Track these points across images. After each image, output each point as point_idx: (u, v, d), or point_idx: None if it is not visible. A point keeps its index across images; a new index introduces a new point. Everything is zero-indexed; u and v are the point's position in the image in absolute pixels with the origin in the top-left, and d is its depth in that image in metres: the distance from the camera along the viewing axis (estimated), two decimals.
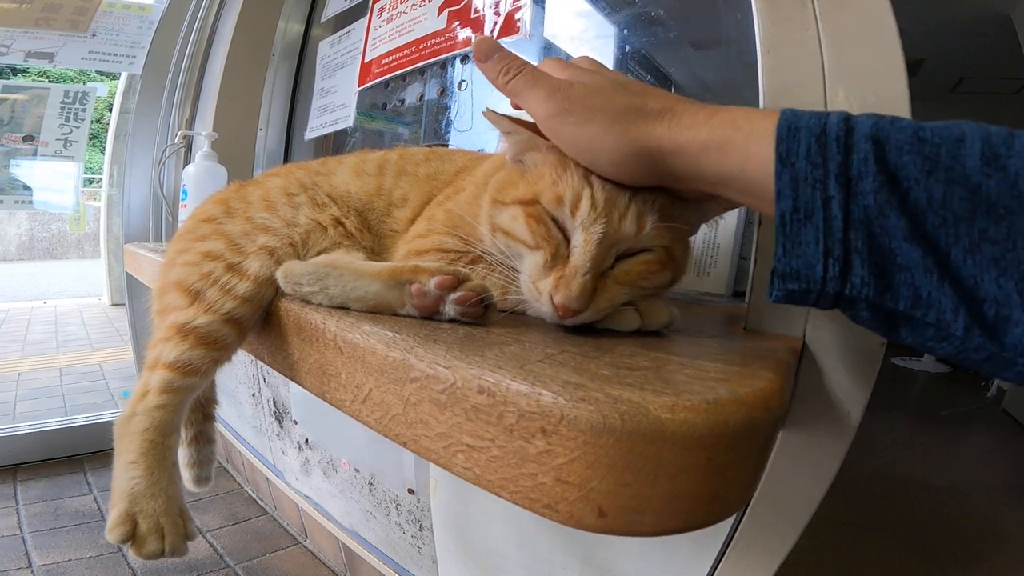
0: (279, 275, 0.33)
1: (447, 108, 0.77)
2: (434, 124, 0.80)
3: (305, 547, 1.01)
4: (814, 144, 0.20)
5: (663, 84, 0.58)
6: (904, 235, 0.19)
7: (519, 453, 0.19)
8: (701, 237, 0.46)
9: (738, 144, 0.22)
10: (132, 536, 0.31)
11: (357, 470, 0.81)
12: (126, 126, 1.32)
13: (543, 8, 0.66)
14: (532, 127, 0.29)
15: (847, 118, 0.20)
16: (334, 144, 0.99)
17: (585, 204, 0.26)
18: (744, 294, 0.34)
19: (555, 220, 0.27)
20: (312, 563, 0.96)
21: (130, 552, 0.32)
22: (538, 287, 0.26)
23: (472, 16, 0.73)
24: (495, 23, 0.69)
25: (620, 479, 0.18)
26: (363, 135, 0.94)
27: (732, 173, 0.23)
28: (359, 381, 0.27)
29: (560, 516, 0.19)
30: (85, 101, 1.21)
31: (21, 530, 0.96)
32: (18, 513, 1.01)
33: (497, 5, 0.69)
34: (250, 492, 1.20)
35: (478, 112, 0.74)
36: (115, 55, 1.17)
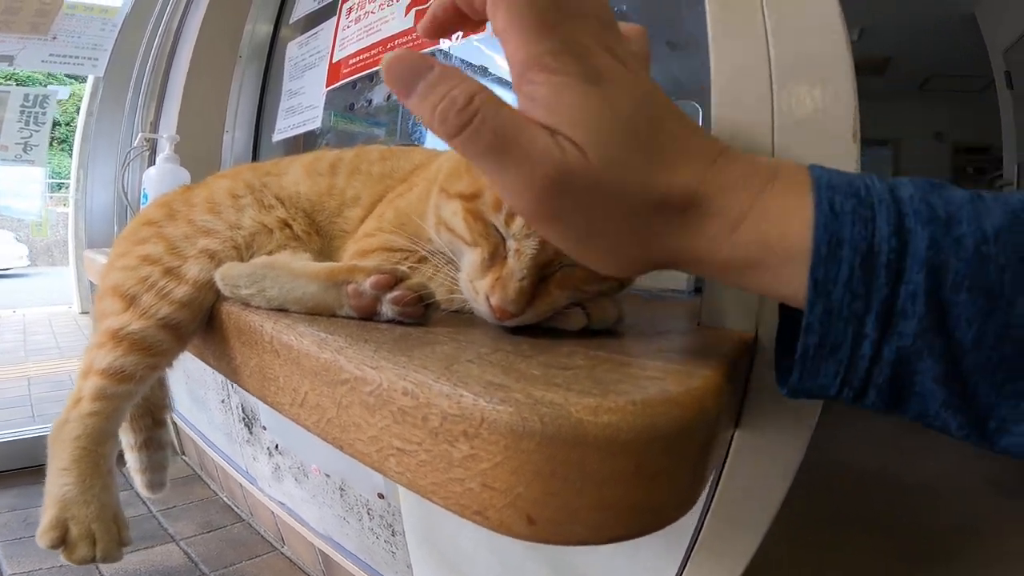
0: (217, 277, 0.32)
1: (407, 115, 0.76)
2: (407, 126, 0.79)
3: (283, 554, 0.99)
4: (858, 269, 0.17)
5: None
6: (934, 377, 0.17)
7: (445, 457, 0.18)
8: None
9: (764, 269, 0.18)
10: (63, 541, 0.31)
11: (327, 475, 0.80)
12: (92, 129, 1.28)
13: None
14: None
15: (898, 224, 0.17)
16: (304, 146, 0.97)
17: (520, 219, 0.24)
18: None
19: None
20: (290, 569, 0.94)
21: (61, 557, 0.31)
22: (475, 286, 0.25)
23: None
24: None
25: (546, 486, 0.17)
26: (337, 137, 0.93)
27: (765, 291, 0.19)
28: (295, 384, 0.26)
29: (491, 523, 0.18)
30: (45, 104, 1.17)
31: None
32: None
33: None
34: (225, 499, 1.17)
35: None
36: (77, 58, 1.14)
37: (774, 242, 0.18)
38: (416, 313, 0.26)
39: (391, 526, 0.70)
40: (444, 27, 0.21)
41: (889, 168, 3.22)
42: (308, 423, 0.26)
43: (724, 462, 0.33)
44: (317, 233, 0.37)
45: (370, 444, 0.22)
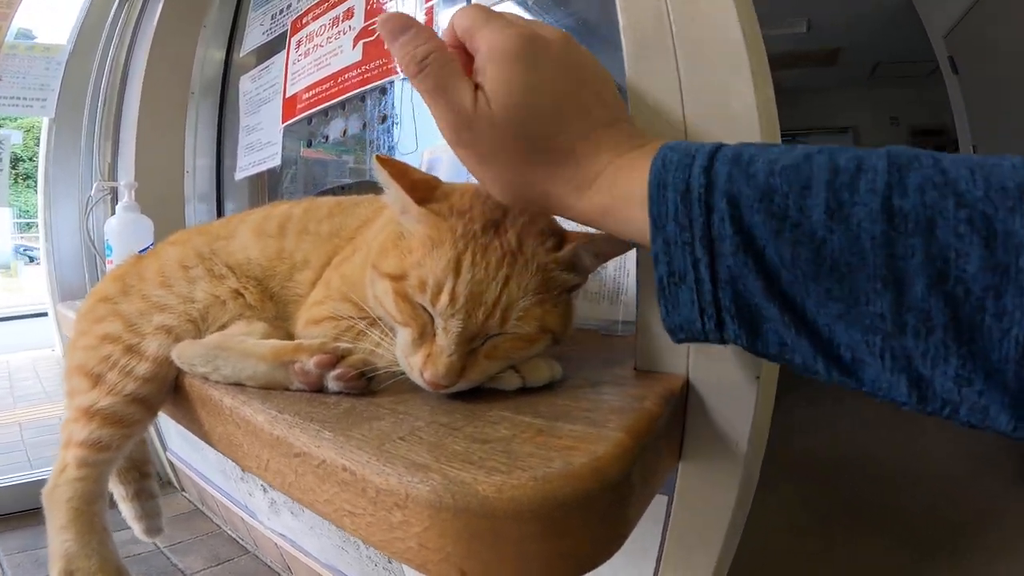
0: (174, 356, 0.33)
1: (371, 142, 0.77)
2: (377, 151, 0.79)
3: None
4: (680, 204, 0.20)
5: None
6: (762, 293, 0.19)
7: (386, 521, 0.21)
8: (613, 264, 0.47)
9: (617, 210, 0.23)
10: None
11: None
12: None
13: None
14: (411, 184, 0.28)
15: (708, 166, 0.20)
16: (269, 180, 0.97)
17: (444, 298, 0.25)
18: None
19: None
20: None
21: None
22: (410, 362, 0.27)
23: (386, 47, 0.72)
24: None
25: (469, 546, 0.19)
26: (304, 166, 0.93)
27: (619, 231, 0.24)
28: (258, 452, 0.29)
29: (432, 575, 0.21)
30: (0, 151, 1.16)
31: None
32: (0, 564, 1.00)
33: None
34: (229, 532, 1.18)
35: (423, 132, 0.72)
36: (24, 99, 1.12)
37: (619, 191, 0.23)
38: (360, 386, 0.28)
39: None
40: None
41: None
42: (275, 484, 0.28)
43: (673, 491, 0.35)
44: (271, 299, 0.38)
45: (327, 505, 0.24)
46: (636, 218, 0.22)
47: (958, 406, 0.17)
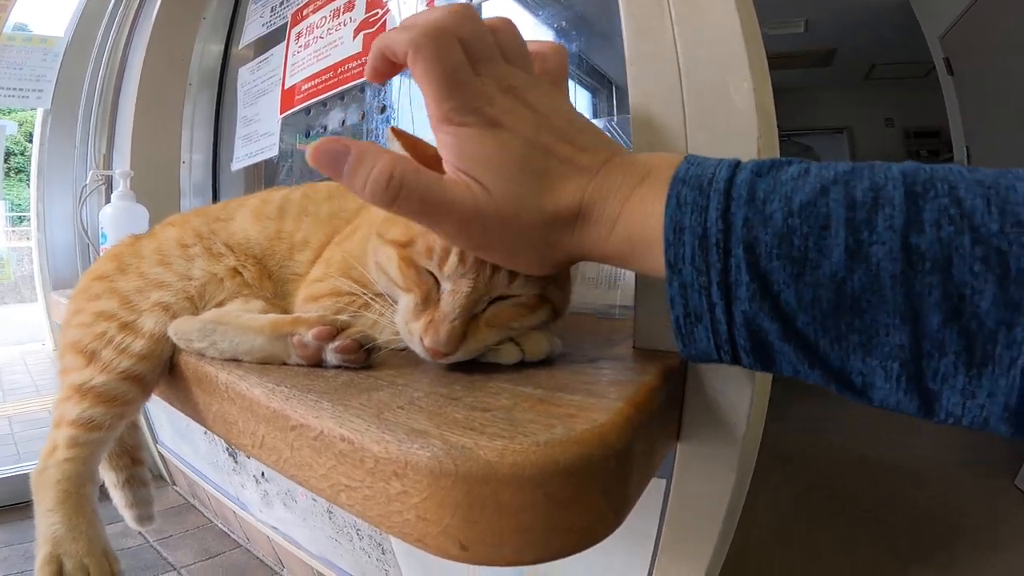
0: (170, 332, 0.33)
1: (369, 131, 0.77)
2: (376, 140, 0.79)
3: None
4: (697, 249, 0.20)
5: (602, 84, 0.59)
6: (777, 335, 0.20)
7: (384, 493, 0.21)
8: None
9: (636, 258, 0.23)
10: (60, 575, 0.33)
11: (315, 499, 0.81)
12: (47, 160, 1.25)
13: None
14: (421, 158, 0.27)
15: (725, 209, 0.20)
16: (265, 172, 0.97)
17: (453, 259, 0.26)
18: None
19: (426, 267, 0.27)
20: None
21: None
22: (410, 328, 0.27)
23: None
24: None
25: (468, 516, 0.19)
26: (300, 158, 0.93)
27: (641, 271, 0.24)
28: (253, 429, 0.28)
29: (430, 549, 0.20)
30: None
31: None
32: None
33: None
34: (220, 526, 1.18)
35: (420, 122, 0.72)
36: (21, 90, 1.12)
37: (637, 238, 0.23)
38: (358, 359, 0.28)
39: (380, 545, 0.72)
40: (383, 74, 0.26)
41: (846, 154, 3.35)
42: (269, 462, 0.28)
43: (671, 474, 0.35)
44: (269, 278, 0.38)
45: (323, 480, 0.24)
46: (654, 259, 0.22)
47: (961, 417, 0.18)
